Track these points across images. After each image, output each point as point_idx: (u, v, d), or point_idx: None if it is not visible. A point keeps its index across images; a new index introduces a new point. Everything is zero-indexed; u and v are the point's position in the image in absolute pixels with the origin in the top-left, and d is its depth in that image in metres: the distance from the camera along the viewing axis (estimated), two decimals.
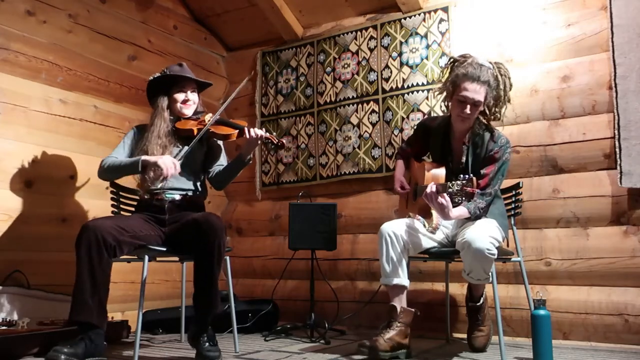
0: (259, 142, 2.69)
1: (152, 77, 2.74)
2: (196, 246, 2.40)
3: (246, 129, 2.66)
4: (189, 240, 2.43)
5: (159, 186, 2.55)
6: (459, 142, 2.56)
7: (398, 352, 2.38)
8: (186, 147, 2.62)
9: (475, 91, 2.39)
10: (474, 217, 2.37)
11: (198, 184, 2.74)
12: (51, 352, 2.15)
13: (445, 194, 2.22)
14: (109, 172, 2.61)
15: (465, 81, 2.40)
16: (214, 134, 2.70)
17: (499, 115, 2.50)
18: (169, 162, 2.48)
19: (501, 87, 2.45)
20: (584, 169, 2.92)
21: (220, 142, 2.83)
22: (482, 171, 2.45)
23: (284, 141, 2.72)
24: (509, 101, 2.51)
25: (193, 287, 2.41)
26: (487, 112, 2.47)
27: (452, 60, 2.58)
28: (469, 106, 2.41)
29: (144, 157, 2.52)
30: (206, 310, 2.38)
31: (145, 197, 2.63)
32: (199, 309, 2.40)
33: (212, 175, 2.82)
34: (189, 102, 2.74)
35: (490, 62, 2.48)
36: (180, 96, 2.72)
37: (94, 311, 2.24)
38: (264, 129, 2.70)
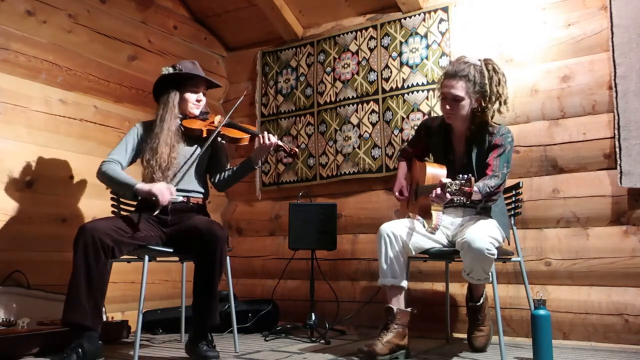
0: (272, 149, 2.69)
1: (165, 72, 2.68)
2: (197, 255, 2.39)
3: (260, 135, 2.66)
4: (189, 245, 2.43)
5: (180, 199, 2.53)
6: (460, 141, 2.57)
7: (397, 353, 2.39)
8: (205, 145, 2.61)
9: (452, 86, 2.42)
10: (484, 195, 2.31)
11: (201, 185, 2.73)
12: None
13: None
14: (104, 181, 2.58)
15: (444, 79, 2.47)
16: (225, 136, 2.70)
17: (488, 112, 2.45)
18: (164, 189, 2.43)
19: (486, 81, 2.42)
20: (584, 169, 2.92)
21: (224, 146, 2.82)
22: (487, 160, 2.45)
23: (297, 150, 2.71)
24: (500, 96, 2.46)
25: (192, 295, 2.41)
26: (481, 107, 2.45)
27: (450, 63, 2.60)
28: (448, 101, 2.45)
29: (138, 186, 2.48)
30: (204, 320, 2.38)
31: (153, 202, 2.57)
32: (197, 319, 2.39)
33: (216, 179, 2.82)
34: (200, 102, 2.75)
35: (480, 59, 2.48)
36: (193, 96, 2.72)
37: (88, 313, 2.22)
38: (276, 137, 2.68)
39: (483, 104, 2.45)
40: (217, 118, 2.76)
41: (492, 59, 2.54)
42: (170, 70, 2.68)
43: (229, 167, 2.86)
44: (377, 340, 2.36)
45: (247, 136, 2.70)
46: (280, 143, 2.66)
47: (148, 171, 2.59)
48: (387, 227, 2.48)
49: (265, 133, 2.66)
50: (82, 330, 2.22)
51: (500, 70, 2.49)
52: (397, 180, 2.77)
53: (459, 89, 2.42)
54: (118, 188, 2.59)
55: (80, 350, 2.18)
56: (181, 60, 2.79)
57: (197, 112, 2.74)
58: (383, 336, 2.38)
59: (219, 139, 2.73)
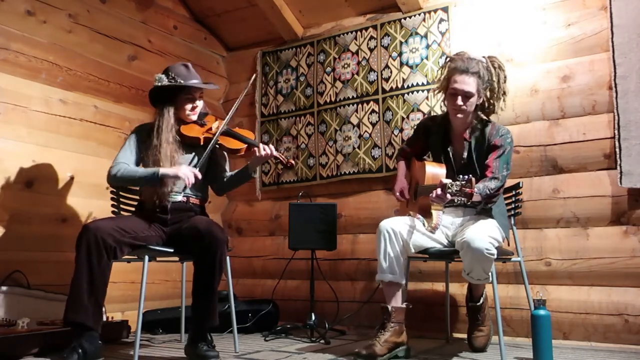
0: (268, 159, 2.69)
1: (158, 82, 2.60)
2: (197, 257, 2.40)
3: (257, 146, 2.65)
4: (189, 246, 2.43)
5: (179, 198, 2.54)
6: (459, 139, 2.57)
7: (396, 351, 2.39)
8: (202, 157, 2.59)
9: (465, 82, 2.43)
10: (484, 197, 2.31)
11: (200, 188, 2.72)
12: None
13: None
14: (123, 181, 2.55)
15: (454, 74, 2.46)
16: (222, 146, 2.69)
17: (494, 109, 2.51)
18: (189, 172, 2.46)
19: (494, 79, 2.46)
20: (584, 169, 2.92)
21: (223, 151, 2.82)
22: (486, 162, 2.46)
23: (293, 162, 2.71)
24: (504, 94, 2.52)
25: (192, 296, 2.41)
26: (485, 105, 2.49)
27: (447, 59, 2.60)
28: (459, 97, 2.44)
29: (162, 171, 2.47)
30: (203, 321, 2.38)
31: (154, 201, 2.55)
32: (197, 320, 2.40)
33: (215, 184, 2.81)
34: (196, 108, 2.71)
35: (484, 57, 2.50)
36: (189, 105, 2.66)
37: (90, 313, 2.22)
38: (274, 147, 2.68)
39: (490, 101, 2.48)
40: (215, 124, 2.72)
41: (496, 56, 2.56)
42: (164, 79, 2.61)
43: (228, 169, 2.85)
44: (375, 341, 2.35)
45: (244, 146, 2.69)
46: (276, 154, 2.65)
47: None
48: (386, 224, 2.48)
49: (261, 145, 2.65)
50: (83, 330, 2.23)
51: (503, 67, 2.53)
52: (397, 180, 2.76)
53: (472, 84, 2.43)
54: (141, 182, 2.54)
55: (80, 350, 2.19)
56: (173, 65, 2.69)
57: (194, 117, 2.71)
58: (381, 336, 2.37)
59: (217, 146, 2.72)
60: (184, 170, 2.47)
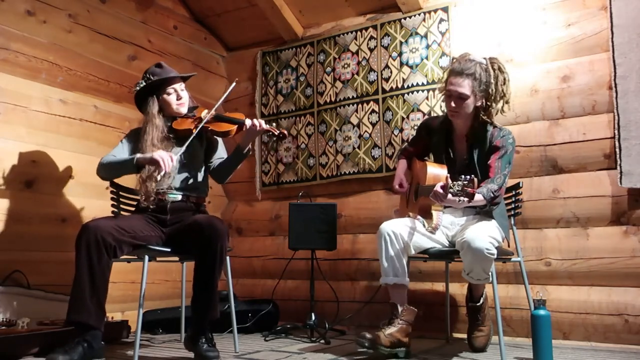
0: (259, 134, 2.67)
1: (137, 88, 2.67)
2: (198, 250, 2.39)
3: (246, 120, 2.64)
4: (190, 242, 2.43)
5: (163, 184, 2.50)
6: (461, 140, 2.57)
7: (397, 349, 2.39)
8: (192, 136, 2.58)
9: (458, 84, 2.43)
10: (489, 200, 2.32)
11: (200, 183, 2.73)
12: (47, 359, 2.14)
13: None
14: (105, 170, 2.57)
15: (450, 76, 2.48)
16: (213, 131, 2.69)
17: (493, 110, 2.49)
18: (165, 155, 2.43)
19: (492, 80, 2.45)
20: (584, 169, 2.92)
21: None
22: (488, 162, 2.45)
23: (285, 132, 2.70)
24: (503, 96, 2.50)
25: (192, 290, 2.41)
26: (486, 106, 2.48)
27: (452, 60, 2.61)
28: (453, 99, 2.45)
29: (138, 155, 2.48)
30: (204, 314, 2.38)
31: (146, 203, 2.56)
32: (197, 313, 2.40)
33: (213, 169, 2.81)
34: (182, 99, 2.71)
35: (485, 58, 2.49)
36: (172, 97, 2.68)
37: (92, 312, 2.23)
38: (264, 121, 2.67)
39: (487, 103, 2.47)
40: (204, 113, 2.72)
41: (497, 58, 2.56)
42: (142, 83, 2.66)
43: (225, 155, 2.83)
44: (380, 332, 2.37)
45: (234, 127, 2.67)
46: (266, 127, 2.65)
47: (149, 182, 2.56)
48: (387, 226, 2.48)
49: (248, 120, 2.64)
50: (86, 329, 2.24)
51: (505, 69, 2.52)
52: (396, 175, 2.77)
53: (466, 87, 2.43)
54: (119, 168, 2.55)
55: (85, 344, 2.21)
56: (148, 68, 2.74)
57: (184, 110, 2.72)
58: (387, 329, 2.39)
59: (208, 132, 2.71)
60: (160, 153, 2.43)
